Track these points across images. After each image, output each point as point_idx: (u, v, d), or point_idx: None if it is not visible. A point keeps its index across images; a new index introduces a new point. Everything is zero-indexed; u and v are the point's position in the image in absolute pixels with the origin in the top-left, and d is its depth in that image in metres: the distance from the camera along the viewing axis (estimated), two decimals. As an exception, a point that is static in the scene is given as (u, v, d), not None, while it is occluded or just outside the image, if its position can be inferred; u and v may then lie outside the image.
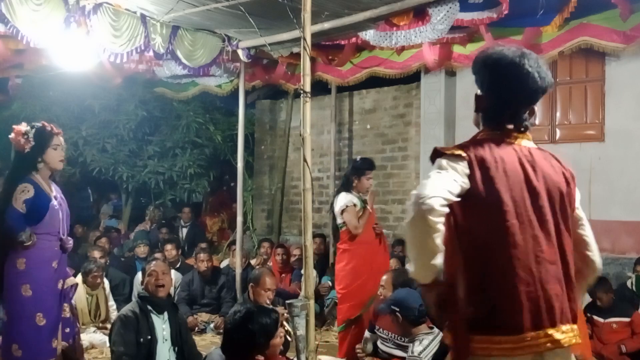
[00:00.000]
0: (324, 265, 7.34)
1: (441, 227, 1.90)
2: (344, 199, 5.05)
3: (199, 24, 5.81)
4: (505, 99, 2.05)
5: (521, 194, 1.99)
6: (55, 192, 3.89)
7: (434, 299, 2.05)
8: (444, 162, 2.00)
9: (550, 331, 1.96)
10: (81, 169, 9.29)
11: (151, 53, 5.72)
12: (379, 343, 4.54)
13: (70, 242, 3.97)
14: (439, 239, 1.90)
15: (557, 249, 2.02)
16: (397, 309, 4.01)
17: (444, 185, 1.94)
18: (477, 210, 1.99)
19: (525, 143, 2.08)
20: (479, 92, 2.13)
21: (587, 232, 2.18)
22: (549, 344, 1.96)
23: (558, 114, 6.59)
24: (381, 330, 4.52)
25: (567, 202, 2.07)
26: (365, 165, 5.13)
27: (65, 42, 5.15)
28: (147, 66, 6.82)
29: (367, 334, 4.71)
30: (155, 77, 7.48)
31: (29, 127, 3.80)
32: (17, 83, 7.88)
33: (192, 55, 5.98)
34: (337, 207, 5.06)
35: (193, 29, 5.90)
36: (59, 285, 3.88)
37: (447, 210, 1.91)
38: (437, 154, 2.05)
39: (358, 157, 5.57)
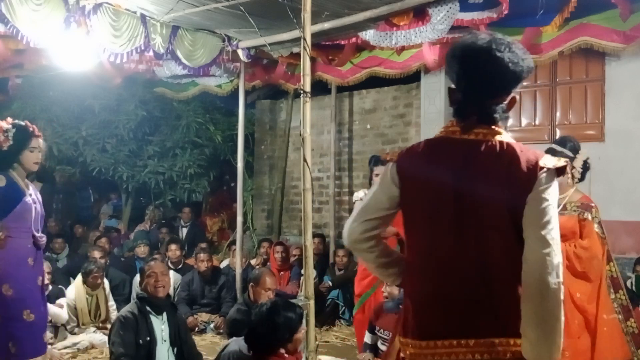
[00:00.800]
0: (324, 265, 7.34)
1: (372, 250, 2.04)
2: (356, 194, 5.29)
3: (199, 24, 5.81)
4: (475, 89, 1.89)
5: (437, 197, 1.89)
6: (31, 191, 3.85)
7: None
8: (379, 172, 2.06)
9: (451, 342, 1.84)
10: (81, 169, 9.29)
11: (151, 53, 5.72)
12: (379, 344, 4.54)
13: (43, 239, 3.93)
14: (378, 259, 2.05)
15: (476, 255, 1.83)
16: None
17: (364, 209, 2.03)
18: (403, 210, 2.01)
19: (498, 137, 1.89)
20: (452, 85, 2.00)
21: (529, 244, 1.81)
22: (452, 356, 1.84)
23: (558, 114, 6.60)
24: (382, 330, 4.52)
25: (506, 206, 1.82)
26: (371, 162, 5.19)
27: (65, 42, 5.15)
28: (147, 66, 6.82)
29: (367, 337, 4.71)
30: (155, 77, 7.48)
31: (10, 125, 3.76)
32: (17, 83, 7.89)
33: (192, 55, 5.98)
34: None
35: (193, 29, 5.90)
36: (39, 282, 3.86)
37: (373, 232, 2.02)
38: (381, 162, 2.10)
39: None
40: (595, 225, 3.62)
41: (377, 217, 2.01)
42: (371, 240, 2.01)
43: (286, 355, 3.26)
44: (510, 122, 6.91)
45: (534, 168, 1.82)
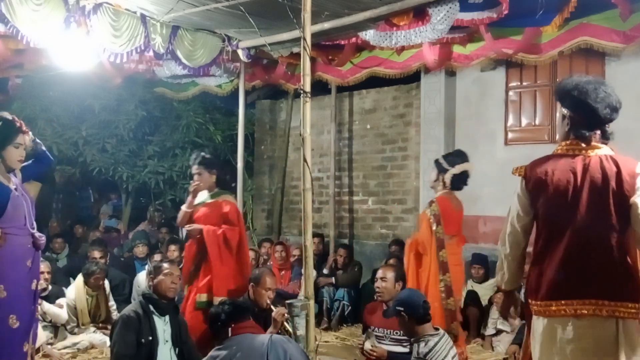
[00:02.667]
0: (321, 264, 7.35)
1: (520, 252, 3.02)
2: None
3: (199, 24, 5.81)
4: (598, 116, 2.80)
5: (564, 194, 2.68)
6: (15, 184, 3.70)
7: (512, 300, 3.13)
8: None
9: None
10: (81, 169, 9.28)
11: (151, 53, 5.72)
12: (376, 343, 4.54)
13: (42, 239, 3.80)
14: (521, 259, 3.04)
15: (597, 240, 2.62)
16: (402, 309, 4.01)
17: (512, 222, 2.89)
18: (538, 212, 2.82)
19: (598, 152, 2.75)
20: (565, 111, 2.96)
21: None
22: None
23: (558, 114, 6.58)
24: (376, 329, 4.52)
25: (613, 195, 2.63)
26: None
27: (65, 42, 5.15)
28: (147, 66, 6.81)
29: (367, 332, 4.72)
30: (155, 77, 7.47)
31: None
32: (17, 83, 7.88)
33: (192, 55, 5.98)
34: None
35: (193, 29, 5.89)
36: (33, 286, 3.73)
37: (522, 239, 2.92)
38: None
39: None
40: (431, 217, 4.72)
41: (522, 224, 2.86)
42: (521, 245, 2.94)
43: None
44: (510, 122, 6.93)
45: (634, 174, 2.68)
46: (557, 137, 2.97)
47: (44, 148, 4.10)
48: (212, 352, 3.57)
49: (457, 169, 4.88)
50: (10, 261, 3.57)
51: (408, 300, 4.06)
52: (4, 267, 3.53)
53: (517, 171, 2.83)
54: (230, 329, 3.58)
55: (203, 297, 4.59)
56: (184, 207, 4.89)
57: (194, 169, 4.85)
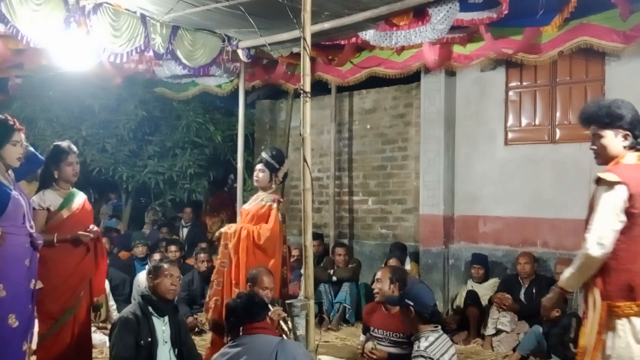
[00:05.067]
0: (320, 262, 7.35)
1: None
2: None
3: (199, 24, 5.81)
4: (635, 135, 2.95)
5: None
6: (13, 184, 3.70)
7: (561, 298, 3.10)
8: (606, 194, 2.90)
9: None
10: (81, 169, 9.23)
11: (151, 53, 5.72)
12: (376, 345, 4.54)
13: (40, 239, 3.82)
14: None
15: None
16: (412, 303, 4.00)
17: (608, 227, 2.85)
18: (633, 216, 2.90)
19: None
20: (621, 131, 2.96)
21: None
22: None
23: (558, 114, 6.59)
24: (376, 330, 4.52)
25: None
26: None
27: (65, 42, 5.15)
28: (147, 66, 6.81)
29: (362, 338, 4.71)
30: (155, 77, 7.48)
31: None
32: (17, 83, 7.88)
33: (192, 55, 5.98)
34: None
35: (193, 29, 5.90)
36: (31, 285, 3.72)
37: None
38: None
39: None
40: (280, 215, 4.75)
41: (617, 230, 2.85)
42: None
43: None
44: (510, 122, 6.92)
45: None
46: (609, 152, 3.03)
47: (31, 149, 4.18)
48: (223, 349, 3.54)
49: (285, 166, 4.99)
50: (9, 260, 3.56)
51: (419, 297, 4.04)
52: (3, 266, 3.52)
53: (612, 182, 2.88)
54: (242, 327, 3.53)
55: None
56: None
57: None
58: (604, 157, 3.04)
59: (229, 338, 3.60)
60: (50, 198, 4.37)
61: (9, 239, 3.54)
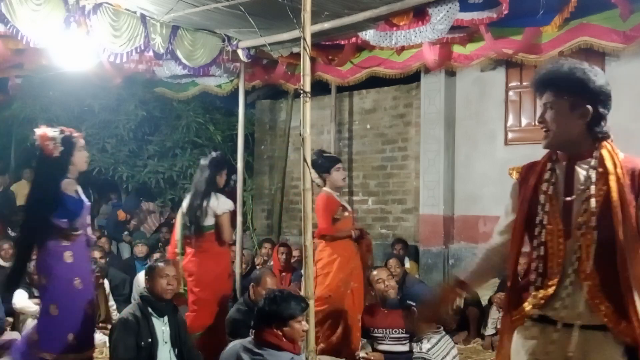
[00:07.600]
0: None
1: None
2: None
3: (199, 24, 5.81)
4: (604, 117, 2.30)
5: None
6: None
7: None
8: None
9: None
10: (81, 169, 9.27)
11: (151, 53, 5.72)
12: (374, 346, 4.55)
13: (94, 237, 4.30)
14: None
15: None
16: (414, 304, 4.00)
17: None
18: None
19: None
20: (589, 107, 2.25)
21: None
22: None
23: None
24: (376, 330, 4.52)
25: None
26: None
27: (65, 42, 5.15)
28: (147, 66, 6.81)
29: (362, 342, 4.71)
30: (155, 77, 7.48)
31: (56, 132, 3.97)
32: (17, 83, 7.88)
33: (192, 55, 5.98)
34: None
35: (193, 29, 5.89)
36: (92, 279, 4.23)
37: None
38: None
39: None
40: None
41: None
42: None
43: (283, 339, 3.39)
44: (510, 122, 6.93)
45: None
46: (563, 136, 2.23)
47: None
48: (242, 354, 3.47)
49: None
50: (81, 257, 4.01)
51: (421, 297, 4.05)
52: (77, 261, 3.95)
53: None
54: (256, 331, 3.48)
55: None
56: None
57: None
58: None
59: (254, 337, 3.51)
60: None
61: (80, 238, 3.98)
